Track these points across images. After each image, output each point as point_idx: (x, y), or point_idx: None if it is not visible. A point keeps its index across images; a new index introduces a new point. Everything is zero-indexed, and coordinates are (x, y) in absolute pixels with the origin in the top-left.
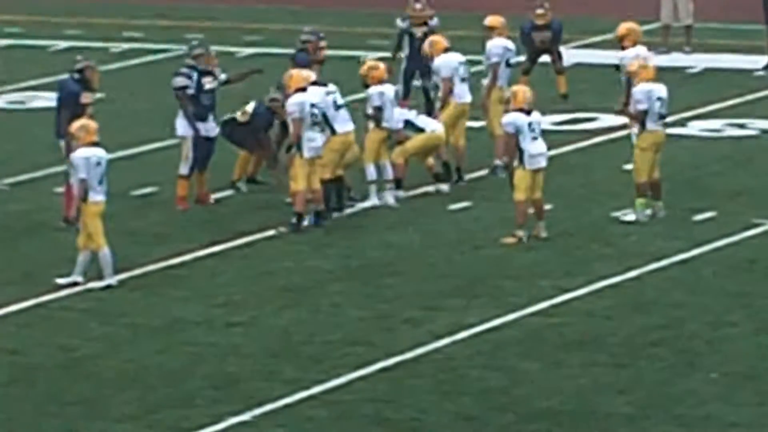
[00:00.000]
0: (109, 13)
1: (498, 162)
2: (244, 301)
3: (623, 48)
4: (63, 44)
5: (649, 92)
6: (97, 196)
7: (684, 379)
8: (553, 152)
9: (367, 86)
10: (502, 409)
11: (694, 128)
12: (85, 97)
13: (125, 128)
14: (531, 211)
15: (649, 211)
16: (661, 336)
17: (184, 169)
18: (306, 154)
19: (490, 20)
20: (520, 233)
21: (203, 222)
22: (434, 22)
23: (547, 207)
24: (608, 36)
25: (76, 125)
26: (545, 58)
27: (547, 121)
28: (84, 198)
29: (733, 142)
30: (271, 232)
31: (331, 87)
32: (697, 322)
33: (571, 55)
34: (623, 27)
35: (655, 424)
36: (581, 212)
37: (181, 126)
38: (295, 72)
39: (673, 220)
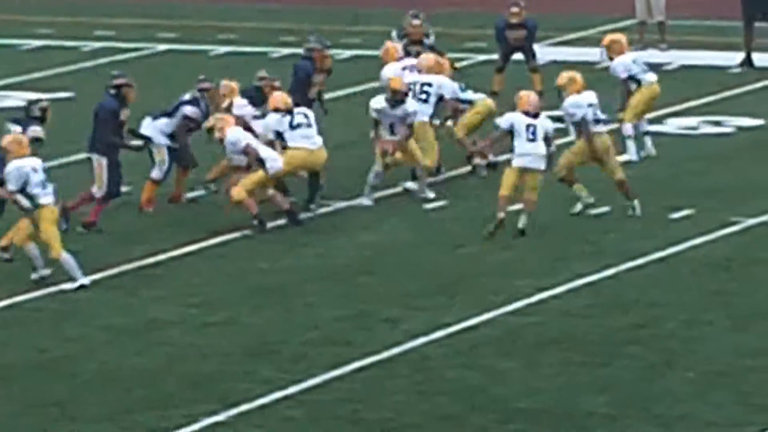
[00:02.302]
0: (80, 11)
1: (479, 161)
2: (220, 300)
3: (611, 59)
4: (34, 43)
5: (577, 103)
6: (45, 199)
7: (661, 378)
8: None
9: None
10: (480, 409)
11: (671, 126)
12: (123, 114)
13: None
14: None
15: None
16: (638, 335)
17: (157, 174)
18: (270, 172)
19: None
20: (501, 214)
21: (179, 222)
22: (431, 40)
23: (521, 206)
24: (583, 33)
25: (7, 139)
26: (519, 55)
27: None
28: (22, 208)
29: (709, 140)
30: (246, 231)
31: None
32: (674, 320)
33: (546, 52)
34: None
35: (632, 422)
36: (558, 211)
37: (157, 134)
38: (277, 94)
39: (650, 218)
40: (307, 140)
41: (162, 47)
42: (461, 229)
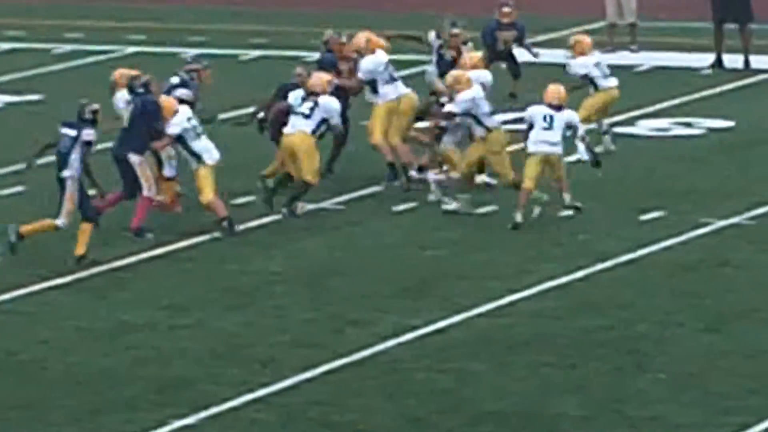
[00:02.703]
0: (51, 14)
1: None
2: (189, 303)
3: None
4: (4, 45)
5: (470, 99)
6: None
7: (632, 380)
8: None
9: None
10: (450, 411)
11: (642, 127)
12: None
13: None
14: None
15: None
16: (609, 336)
17: (169, 171)
18: (208, 162)
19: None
20: (518, 218)
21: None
22: (468, 47)
23: (494, 207)
24: (553, 35)
25: None
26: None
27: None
28: None
29: (680, 142)
30: (216, 234)
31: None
32: (645, 322)
33: (516, 54)
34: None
35: (603, 424)
36: (528, 212)
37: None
38: (164, 99)
39: (621, 219)
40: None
41: (132, 49)
42: (430, 231)
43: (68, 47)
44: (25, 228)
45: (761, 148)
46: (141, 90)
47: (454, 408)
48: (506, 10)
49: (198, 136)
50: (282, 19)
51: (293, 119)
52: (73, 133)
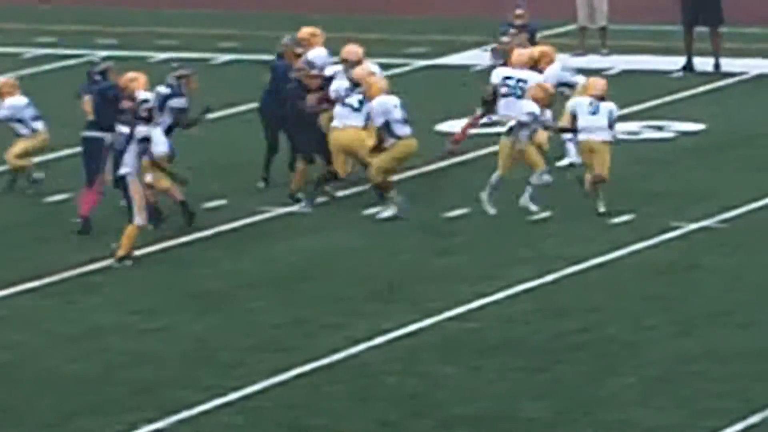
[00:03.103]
0: (21, 17)
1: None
2: (160, 307)
3: (540, 71)
4: None
5: (383, 104)
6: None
7: (603, 383)
8: (471, 155)
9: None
10: (420, 415)
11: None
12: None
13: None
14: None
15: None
16: (579, 340)
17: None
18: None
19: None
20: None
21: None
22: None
23: (465, 210)
24: None
25: None
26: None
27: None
28: None
29: (651, 145)
30: (186, 238)
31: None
32: (615, 325)
33: (487, 57)
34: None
35: (574, 428)
36: (499, 216)
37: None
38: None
39: (591, 223)
40: None
41: (102, 53)
42: (400, 235)
43: (39, 51)
44: (121, 249)
45: (732, 152)
46: (98, 77)
47: (424, 411)
48: (519, 12)
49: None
50: (254, 22)
51: (340, 111)
52: (127, 130)
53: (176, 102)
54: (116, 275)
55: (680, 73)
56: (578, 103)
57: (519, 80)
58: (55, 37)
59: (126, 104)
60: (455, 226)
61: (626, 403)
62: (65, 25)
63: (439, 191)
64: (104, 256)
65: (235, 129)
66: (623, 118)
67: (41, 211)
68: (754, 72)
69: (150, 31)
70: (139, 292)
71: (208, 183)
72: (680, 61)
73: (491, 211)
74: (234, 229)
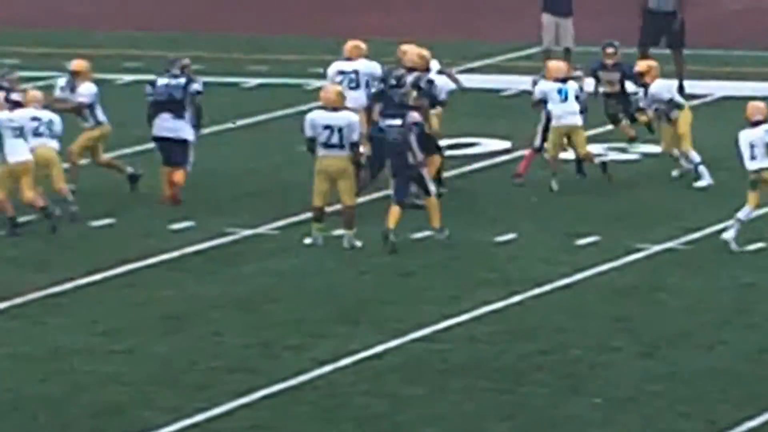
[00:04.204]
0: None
1: None
2: (126, 328)
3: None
4: None
5: (312, 121)
6: None
7: (567, 404)
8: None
9: None
10: None
11: None
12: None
13: None
14: None
15: (321, 238)
16: (544, 361)
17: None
18: (9, 159)
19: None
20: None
21: (84, 250)
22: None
23: (429, 233)
24: (489, 61)
25: None
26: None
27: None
28: None
29: (615, 166)
30: (153, 260)
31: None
32: (580, 346)
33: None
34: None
35: None
36: (464, 237)
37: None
38: None
39: (556, 244)
40: None
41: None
42: (365, 256)
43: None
44: None
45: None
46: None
47: None
48: (610, 51)
49: (18, 136)
50: (215, 44)
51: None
52: None
53: (196, 86)
54: (82, 297)
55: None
56: (547, 88)
57: None
58: (20, 59)
59: None
60: (421, 248)
61: (591, 424)
62: (30, 48)
63: (405, 213)
64: (70, 277)
65: (201, 150)
66: (588, 141)
67: (5, 232)
68: (717, 94)
69: (116, 53)
70: (104, 313)
71: (174, 205)
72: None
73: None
74: (200, 251)
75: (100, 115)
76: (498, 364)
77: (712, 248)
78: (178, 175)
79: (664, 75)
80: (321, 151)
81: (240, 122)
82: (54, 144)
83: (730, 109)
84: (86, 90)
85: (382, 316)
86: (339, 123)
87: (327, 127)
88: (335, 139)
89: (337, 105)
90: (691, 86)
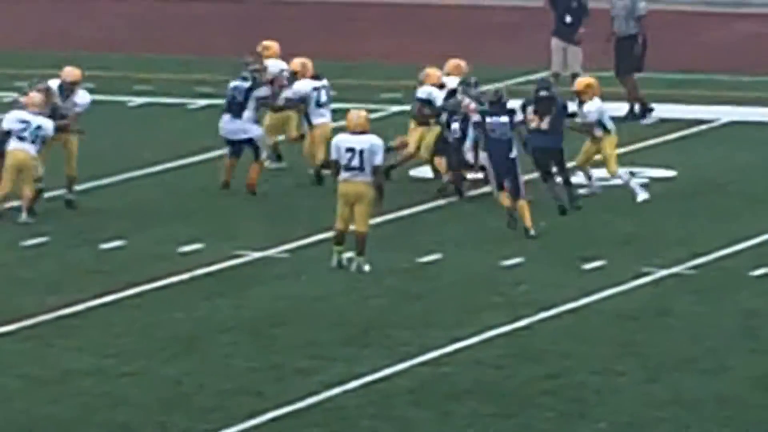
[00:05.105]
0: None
1: None
2: (136, 351)
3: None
4: None
5: (336, 144)
6: None
7: (573, 429)
8: (443, 201)
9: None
10: None
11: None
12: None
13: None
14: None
15: (345, 260)
16: (550, 385)
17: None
18: None
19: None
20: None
21: (95, 272)
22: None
23: (438, 255)
24: (498, 84)
25: None
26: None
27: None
28: None
29: (623, 191)
30: (163, 282)
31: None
32: (586, 371)
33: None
34: None
35: None
36: (472, 261)
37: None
38: None
39: (563, 269)
40: None
41: None
42: (373, 280)
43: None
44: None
45: (703, 198)
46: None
47: None
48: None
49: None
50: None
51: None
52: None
53: (261, 92)
54: (93, 318)
55: (651, 121)
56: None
57: None
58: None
59: None
60: (428, 271)
61: None
62: (45, 70)
63: (412, 236)
64: (81, 299)
65: (211, 173)
66: (599, 164)
67: (17, 254)
68: (725, 119)
69: (127, 75)
70: (114, 335)
71: (184, 227)
72: (656, 107)
73: None
74: (209, 273)
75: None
76: (504, 388)
77: (718, 273)
78: (252, 171)
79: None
80: (342, 175)
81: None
82: (32, 148)
83: (737, 134)
84: (81, 99)
85: (390, 340)
86: (361, 146)
87: (349, 149)
88: (356, 162)
89: (362, 129)
90: (698, 111)
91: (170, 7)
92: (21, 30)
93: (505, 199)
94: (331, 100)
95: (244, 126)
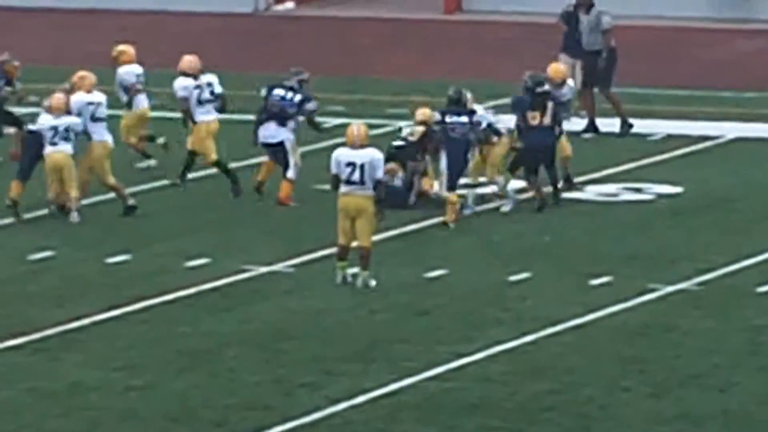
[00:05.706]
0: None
1: None
2: (143, 365)
3: None
4: None
5: (336, 158)
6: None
7: None
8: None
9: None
10: None
11: (591, 192)
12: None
13: (28, 192)
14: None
15: (350, 276)
16: (556, 401)
17: (292, 174)
18: None
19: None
20: None
21: (102, 286)
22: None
23: (444, 271)
24: (506, 100)
25: None
26: None
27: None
28: None
29: (629, 207)
30: (170, 296)
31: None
32: (591, 387)
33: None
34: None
35: None
36: (478, 276)
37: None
38: None
39: (569, 284)
40: None
41: None
42: (379, 296)
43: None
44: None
45: (709, 214)
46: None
47: None
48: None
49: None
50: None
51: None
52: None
53: (311, 105)
54: (99, 333)
55: (660, 137)
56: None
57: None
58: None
59: None
60: (435, 287)
61: None
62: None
63: (419, 251)
64: (87, 313)
65: (219, 186)
66: (601, 180)
67: (24, 268)
68: (730, 136)
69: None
70: (121, 349)
71: (191, 241)
72: (661, 124)
73: None
74: (216, 288)
75: None
76: (510, 404)
77: (724, 289)
78: (283, 188)
79: (606, 114)
80: (342, 188)
81: (253, 161)
82: (67, 148)
83: (743, 150)
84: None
85: (396, 355)
86: (362, 160)
87: (349, 164)
88: (356, 176)
89: (361, 143)
90: (704, 127)
91: (171, 24)
92: (31, 45)
93: (453, 197)
94: (218, 97)
95: (284, 131)
